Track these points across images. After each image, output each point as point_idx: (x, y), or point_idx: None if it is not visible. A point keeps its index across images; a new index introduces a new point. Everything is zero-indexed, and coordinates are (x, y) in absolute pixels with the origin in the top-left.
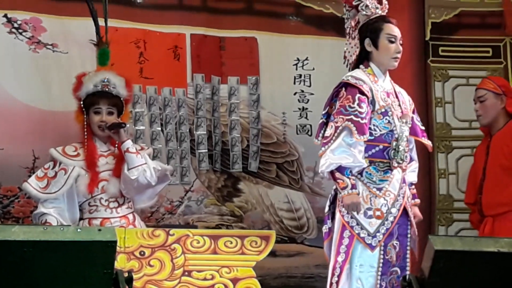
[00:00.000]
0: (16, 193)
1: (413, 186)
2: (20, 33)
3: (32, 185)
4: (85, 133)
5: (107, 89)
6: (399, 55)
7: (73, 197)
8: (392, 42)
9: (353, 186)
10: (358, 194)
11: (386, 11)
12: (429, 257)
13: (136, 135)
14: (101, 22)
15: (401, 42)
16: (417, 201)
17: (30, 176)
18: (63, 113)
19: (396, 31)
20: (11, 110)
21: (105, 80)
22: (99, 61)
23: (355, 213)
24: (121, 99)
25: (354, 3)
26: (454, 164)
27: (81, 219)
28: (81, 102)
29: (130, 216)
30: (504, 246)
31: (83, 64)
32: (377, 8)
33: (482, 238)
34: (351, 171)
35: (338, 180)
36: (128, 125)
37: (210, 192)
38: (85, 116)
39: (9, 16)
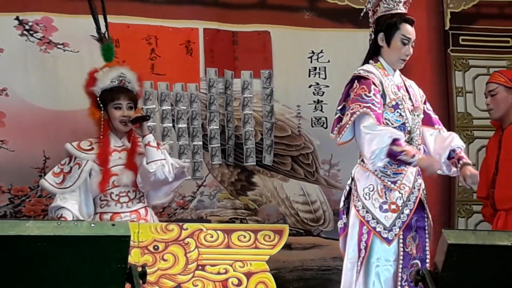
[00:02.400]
0: (26, 193)
1: (460, 150)
2: (31, 35)
3: (49, 181)
4: (102, 129)
5: (123, 84)
6: (407, 58)
7: (87, 191)
8: (404, 43)
9: (419, 150)
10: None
11: (408, 7)
12: (442, 251)
13: None
14: (109, 19)
15: (414, 43)
16: (469, 161)
17: (40, 176)
18: (73, 112)
19: (412, 33)
20: (21, 113)
21: (122, 75)
22: (105, 57)
23: (371, 208)
24: (135, 93)
25: None
26: (475, 155)
27: (95, 213)
28: (98, 98)
29: (142, 211)
30: None
31: (94, 62)
32: (400, 2)
33: (496, 232)
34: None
35: (399, 155)
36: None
37: (223, 186)
38: (102, 111)
39: (20, 18)
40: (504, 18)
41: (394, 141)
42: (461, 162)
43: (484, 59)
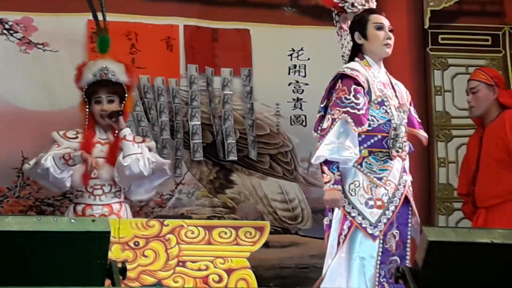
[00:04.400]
0: (4, 193)
1: None
2: (11, 34)
3: (30, 163)
4: (87, 122)
5: (105, 78)
6: (390, 41)
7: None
8: (380, 29)
9: (336, 182)
10: (340, 190)
11: (374, 6)
12: (422, 248)
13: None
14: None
15: (390, 28)
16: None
17: (18, 176)
18: (52, 113)
19: (383, 19)
20: (0, 112)
21: (103, 69)
22: (100, 48)
23: (356, 203)
24: (122, 85)
25: (340, 5)
26: (454, 153)
27: (71, 203)
28: (83, 92)
29: (116, 206)
30: (497, 237)
31: (74, 61)
32: (363, 5)
33: (476, 229)
34: (337, 167)
35: (323, 174)
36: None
37: (202, 184)
38: (87, 105)
39: (0, 17)
40: (486, 15)
41: (334, 162)
42: None
43: (463, 58)
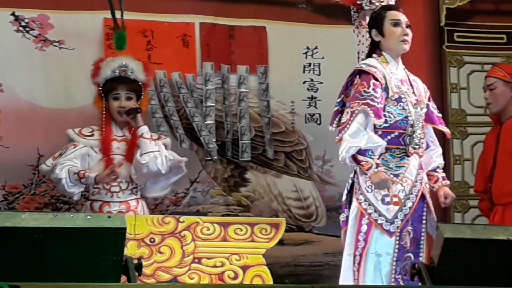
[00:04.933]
0: (20, 190)
1: (442, 170)
2: (27, 32)
3: (47, 164)
4: (103, 118)
5: (125, 74)
6: (407, 38)
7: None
8: (396, 25)
9: (378, 165)
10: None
11: (392, 2)
12: (438, 245)
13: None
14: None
15: (407, 24)
16: (448, 182)
17: (34, 173)
18: (67, 110)
19: (400, 15)
20: (17, 109)
21: (123, 65)
22: (116, 45)
23: (373, 200)
24: (139, 83)
25: (358, 2)
26: (469, 150)
27: (87, 200)
28: (100, 88)
29: (133, 202)
30: None
31: (90, 59)
32: (381, 2)
33: (492, 226)
34: (372, 152)
35: (361, 163)
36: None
37: (216, 182)
38: (104, 101)
39: (16, 14)
40: (500, 14)
41: (367, 150)
42: (444, 181)
43: (479, 56)
